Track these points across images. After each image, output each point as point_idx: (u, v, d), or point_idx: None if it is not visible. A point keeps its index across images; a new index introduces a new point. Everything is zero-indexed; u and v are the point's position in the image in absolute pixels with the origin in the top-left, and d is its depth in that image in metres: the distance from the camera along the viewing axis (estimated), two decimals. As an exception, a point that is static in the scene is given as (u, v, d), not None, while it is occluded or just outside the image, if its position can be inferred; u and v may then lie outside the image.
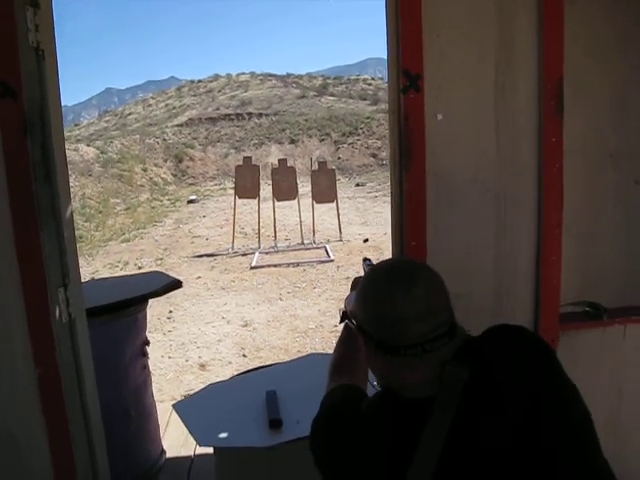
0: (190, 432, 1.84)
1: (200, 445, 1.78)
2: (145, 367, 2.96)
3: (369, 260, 1.72)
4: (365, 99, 30.39)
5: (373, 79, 36.87)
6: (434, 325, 1.04)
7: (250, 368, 2.49)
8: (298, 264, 8.40)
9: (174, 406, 2.04)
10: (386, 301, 1.07)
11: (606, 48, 2.25)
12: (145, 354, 2.94)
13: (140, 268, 8.54)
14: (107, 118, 35.38)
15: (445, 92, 1.70)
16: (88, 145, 19.72)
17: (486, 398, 1.00)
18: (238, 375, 2.36)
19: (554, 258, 1.83)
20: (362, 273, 1.68)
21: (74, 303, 1.87)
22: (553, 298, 1.86)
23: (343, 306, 1.31)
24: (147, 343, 2.96)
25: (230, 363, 4.78)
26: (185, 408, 2.01)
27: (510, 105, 1.76)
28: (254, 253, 9.24)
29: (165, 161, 21.41)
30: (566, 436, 1.01)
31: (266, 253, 9.36)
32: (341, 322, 1.29)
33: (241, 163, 10.72)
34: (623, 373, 1.99)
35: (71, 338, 1.88)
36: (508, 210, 1.80)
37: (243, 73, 36.82)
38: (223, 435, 1.78)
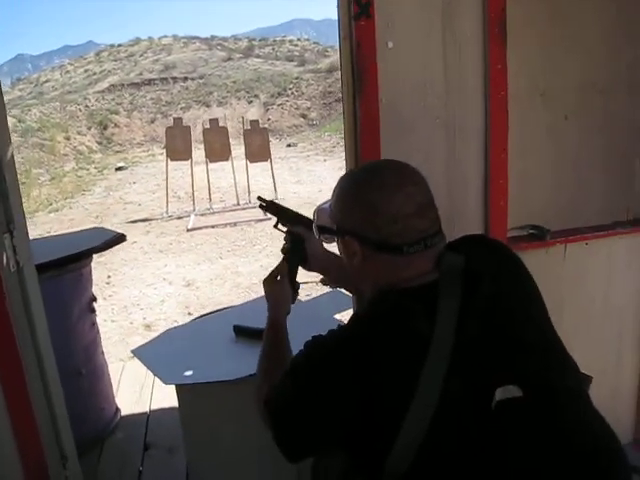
0: (154, 373, 1.83)
1: (165, 384, 1.76)
2: (94, 324, 2.90)
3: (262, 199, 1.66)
4: (292, 60, 30.03)
5: (299, 40, 36.44)
6: (431, 220, 1.07)
7: (203, 313, 2.48)
8: (235, 224, 8.35)
9: (133, 351, 2.02)
10: (382, 200, 1.05)
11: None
12: (93, 311, 2.88)
13: (72, 237, 8.25)
14: (21, 86, 33.50)
15: (395, 20, 1.70)
16: (3, 114, 18.71)
17: (478, 280, 1.04)
18: (194, 320, 2.35)
19: (501, 181, 1.90)
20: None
21: (21, 251, 1.80)
22: (501, 220, 1.94)
23: (315, 218, 1.28)
24: (94, 299, 2.90)
25: (176, 322, 4.73)
26: (145, 352, 1.99)
27: (457, 33, 1.78)
28: (189, 216, 9.11)
29: (89, 129, 20.56)
30: (532, 317, 1.11)
31: (202, 215, 9.24)
32: (320, 235, 1.25)
33: (171, 125, 10.44)
34: (564, 289, 2.11)
35: (20, 287, 1.81)
36: (457, 136, 1.85)
37: (165, 36, 35.55)
38: (188, 373, 1.77)
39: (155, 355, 1.95)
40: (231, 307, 2.52)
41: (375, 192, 1.07)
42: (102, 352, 3.02)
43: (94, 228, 3.65)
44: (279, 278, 1.49)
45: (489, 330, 1.03)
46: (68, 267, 2.68)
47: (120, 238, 2.97)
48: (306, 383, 1.05)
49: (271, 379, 1.19)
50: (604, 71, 2.51)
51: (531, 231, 2.08)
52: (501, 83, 1.84)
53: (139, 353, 1.97)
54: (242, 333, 2.02)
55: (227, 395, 1.82)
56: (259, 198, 1.59)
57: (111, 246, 2.93)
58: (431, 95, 1.79)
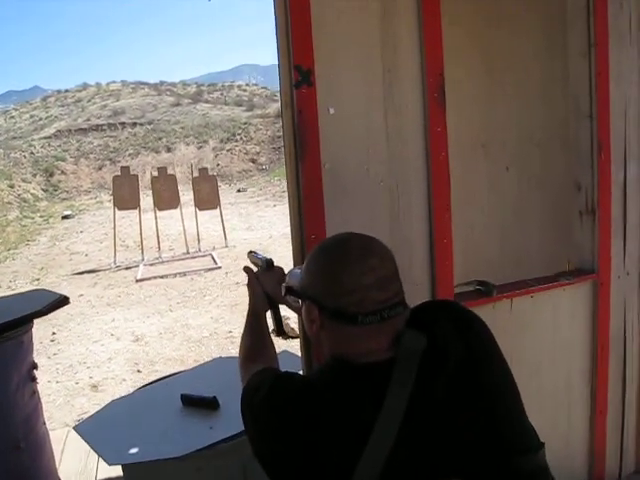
0: (96, 452, 1.74)
1: (109, 464, 1.68)
2: (35, 393, 2.75)
3: (255, 252, 1.72)
4: (241, 105, 30.33)
5: (248, 85, 36.92)
6: (390, 293, 1.07)
7: (151, 380, 2.39)
8: (185, 274, 8.23)
9: (75, 428, 1.92)
10: (343, 271, 1.07)
11: (469, 52, 2.42)
12: (34, 379, 2.74)
13: (14, 291, 7.96)
14: (-37, 132, 32.66)
15: (336, 87, 1.73)
16: (-57, 162, 18.19)
17: (439, 364, 1.03)
18: (140, 388, 2.27)
19: (445, 241, 1.93)
20: (250, 265, 1.70)
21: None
22: (447, 279, 1.95)
23: (286, 280, 1.32)
24: (35, 367, 2.76)
25: (124, 380, 4.58)
26: (87, 428, 1.89)
27: (397, 98, 1.82)
28: (138, 266, 8.94)
29: (34, 176, 20.13)
30: (498, 401, 1.08)
31: (151, 265, 9.07)
32: (285, 296, 1.31)
33: (118, 174, 10.34)
34: (511, 343, 2.12)
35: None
36: (401, 198, 1.87)
37: (114, 82, 35.44)
38: (134, 450, 1.69)
39: (98, 431, 1.86)
40: (179, 373, 2.44)
41: (337, 262, 1.09)
42: (44, 422, 2.86)
43: (35, 290, 3.53)
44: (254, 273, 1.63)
45: (445, 415, 1.02)
46: (6, 335, 2.56)
47: (63, 301, 2.86)
48: (263, 423, 1.09)
49: (253, 359, 1.36)
50: (540, 125, 2.62)
51: (478, 287, 2.10)
52: (441, 145, 1.88)
53: (81, 430, 1.87)
54: (190, 402, 1.96)
55: (176, 472, 1.74)
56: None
57: (53, 310, 2.81)
58: (374, 159, 1.81)
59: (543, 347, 2.25)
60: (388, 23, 1.79)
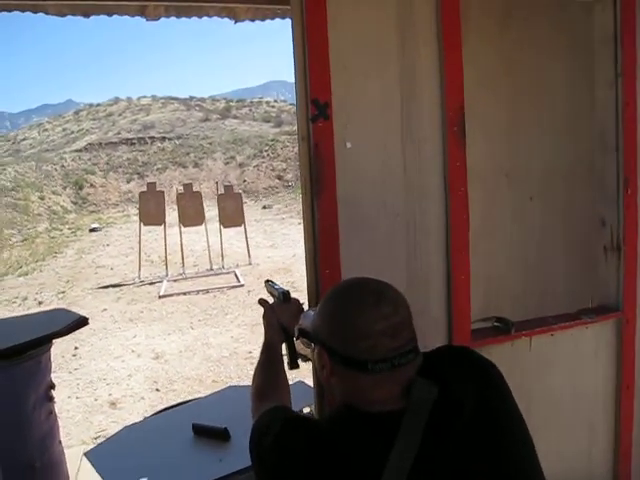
0: (104, 481, 1.74)
1: (117, 495, 1.67)
2: (51, 413, 2.76)
3: (272, 281, 1.72)
4: (269, 121, 30.58)
5: (276, 101, 37.21)
6: (402, 341, 1.05)
7: (165, 406, 2.39)
8: (208, 291, 8.26)
9: (86, 454, 1.92)
10: (356, 317, 1.06)
11: (495, 78, 2.39)
12: (51, 399, 2.75)
13: (40, 303, 8.07)
14: (-2, 143, 33.50)
15: (353, 120, 1.72)
16: (-24, 173, 18.64)
17: (452, 415, 1.02)
18: (153, 415, 2.26)
19: (463, 278, 1.89)
20: (266, 295, 1.69)
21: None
22: (464, 316, 1.91)
23: (300, 322, 1.31)
24: (53, 387, 2.78)
25: (143, 399, 4.59)
26: (98, 455, 1.90)
27: (416, 132, 1.80)
28: (162, 281, 9.01)
29: (64, 188, 20.52)
30: (512, 455, 1.06)
31: (174, 281, 9.13)
32: (297, 339, 1.31)
33: (145, 189, 10.47)
34: (531, 381, 2.08)
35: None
36: (417, 233, 1.84)
37: (144, 96, 36.08)
38: (143, 481, 1.69)
39: (109, 459, 1.86)
40: (192, 400, 2.44)
41: (349, 308, 1.08)
42: (59, 441, 2.86)
43: (55, 309, 3.58)
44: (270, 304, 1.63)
45: (456, 465, 1.00)
46: (25, 355, 2.57)
47: (82, 322, 2.87)
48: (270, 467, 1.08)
49: (264, 395, 1.35)
50: (565, 156, 2.57)
51: (496, 324, 2.05)
52: (461, 180, 1.85)
53: (92, 457, 1.88)
54: (201, 432, 1.94)
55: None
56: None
57: (73, 330, 2.83)
58: (391, 193, 1.79)
59: (564, 387, 2.19)
60: (407, 57, 1.77)
